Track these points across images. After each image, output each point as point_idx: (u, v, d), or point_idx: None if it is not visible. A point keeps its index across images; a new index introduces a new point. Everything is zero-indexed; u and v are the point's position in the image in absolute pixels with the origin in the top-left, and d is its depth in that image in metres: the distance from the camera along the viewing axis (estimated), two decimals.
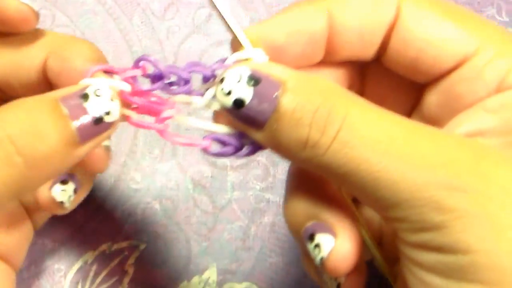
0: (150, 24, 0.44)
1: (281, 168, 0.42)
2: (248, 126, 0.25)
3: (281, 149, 0.24)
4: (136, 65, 0.27)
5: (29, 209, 0.34)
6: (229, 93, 0.24)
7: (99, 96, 0.25)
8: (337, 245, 0.25)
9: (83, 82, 0.26)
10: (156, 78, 0.27)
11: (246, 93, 0.24)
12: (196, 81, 0.27)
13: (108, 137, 0.26)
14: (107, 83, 0.26)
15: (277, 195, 0.42)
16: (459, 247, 0.22)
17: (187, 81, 0.27)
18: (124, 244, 0.41)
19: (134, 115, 0.27)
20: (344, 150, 0.23)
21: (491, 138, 0.25)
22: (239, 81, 0.24)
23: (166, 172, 0.42)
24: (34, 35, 0.29)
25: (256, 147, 0.26)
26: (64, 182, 0.31)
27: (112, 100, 0.25)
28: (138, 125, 0.27)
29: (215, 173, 0.42)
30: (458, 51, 0.26)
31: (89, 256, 0.40)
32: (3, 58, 0.28)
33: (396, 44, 0.27)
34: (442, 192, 0.22)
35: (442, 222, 0.22)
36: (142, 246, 0.41)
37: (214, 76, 0.26)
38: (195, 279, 0.41)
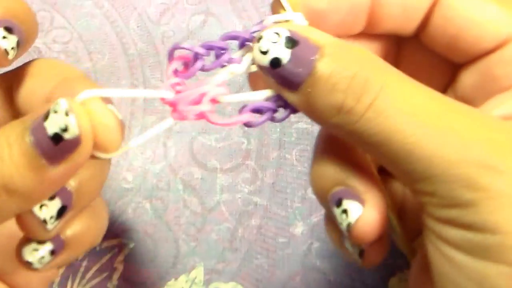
0: (146, 29, 0.45)
1: (269, 172, 0.43)
2: (283, 87, 0.24)
3: (314, 112, 0.24)
4: (171, 56, 0.26)
5: None
6: (266, 52, 0.24)
7: (56, 112, 0.23)
8: (364, 213, 0.25)
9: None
10: (193, 61, 0.26)
11: (283, 54, 0.24)
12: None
13: (86, 156, 0.24)
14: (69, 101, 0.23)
15: (264, 199, 0.42)
16: (487, 226, 0.21)
17: (224, 50, 0.26)
18: (114, 241, 0.41)
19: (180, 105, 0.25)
20: (379, 119, 0.22)
21: None
22: (276, 41, 0.24)
23: (157, 172, 0.43)
24: (48, 65, 0.28)
25: (290, 110, 0.25)
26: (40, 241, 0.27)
27: (66, 114, 0.23)
28: (183, 117, 0.25)
29: (205, 175, 0.43)
30: (499, 32, 0.26)
31: None
32: (25, 88, 0.27)
33: (437, 20, 0.27)
34: (476, 169, 0.21)
35: (472, 200, 0.21)
36: (132, 244, 0.41)
37: (252, 40, 0.25)
38: (182, 278, 0.41)
